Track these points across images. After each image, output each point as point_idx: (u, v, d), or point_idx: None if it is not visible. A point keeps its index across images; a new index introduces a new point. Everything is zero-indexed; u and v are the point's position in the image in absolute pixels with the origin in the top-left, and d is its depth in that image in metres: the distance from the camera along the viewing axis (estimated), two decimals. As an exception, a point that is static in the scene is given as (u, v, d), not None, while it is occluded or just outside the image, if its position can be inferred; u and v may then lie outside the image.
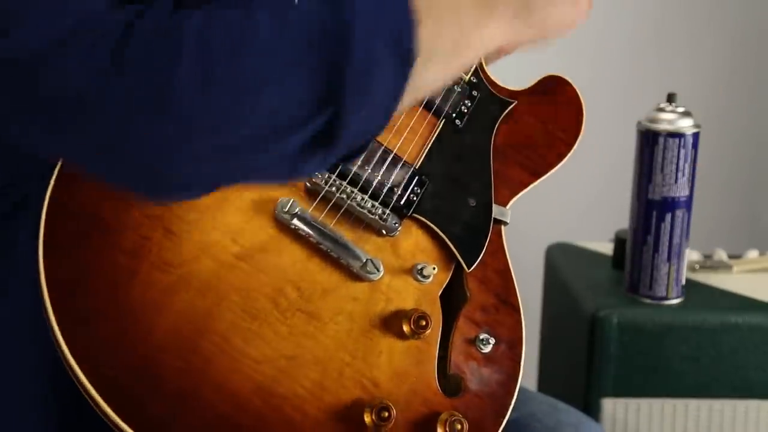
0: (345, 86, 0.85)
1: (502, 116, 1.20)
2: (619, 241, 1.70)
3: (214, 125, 0.85)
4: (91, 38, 0.82)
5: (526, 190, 1.19)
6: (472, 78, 1.20)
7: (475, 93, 1.19)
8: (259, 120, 0.86)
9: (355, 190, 1.07)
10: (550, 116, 1.23)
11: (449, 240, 1.11)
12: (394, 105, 0.90)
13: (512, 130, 1.21)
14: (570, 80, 1.25)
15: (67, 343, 0.93)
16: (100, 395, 0.93)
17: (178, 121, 0.84)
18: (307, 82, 0.85)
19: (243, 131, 0.86)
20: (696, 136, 1.58)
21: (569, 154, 1.22)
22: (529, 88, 1.24)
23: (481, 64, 1.21)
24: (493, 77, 1.23)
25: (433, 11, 0.91)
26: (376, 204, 1.08)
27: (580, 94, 1.24)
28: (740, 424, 1.60)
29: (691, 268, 1.69)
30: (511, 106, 1.21)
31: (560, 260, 1.79)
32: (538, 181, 1.20)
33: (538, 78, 1.24)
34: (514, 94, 1.22)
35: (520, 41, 1.02)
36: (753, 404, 1.60)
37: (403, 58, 0.88)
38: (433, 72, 0.92)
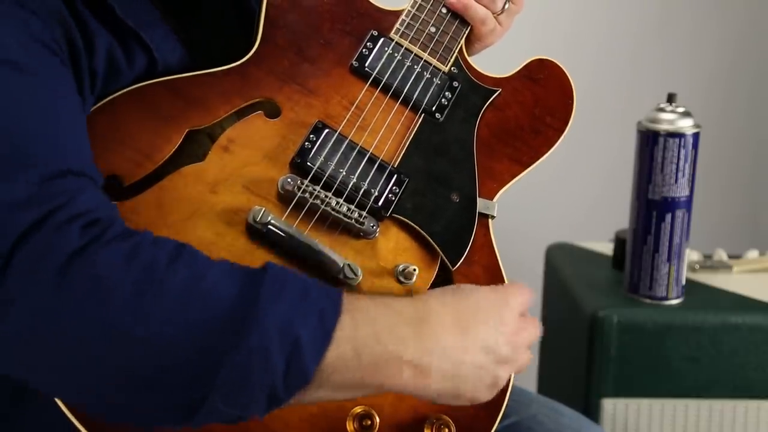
0: (219, 377, 0.84)
1: (485, 106, 1.17)
2: (619, 241, 1.70)
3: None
4: None
5: (514, 181, 1.16)
6: (452, 68, 1.17)
7: (455, 84, 1.17)
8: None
9: (329, 194, 1.05)
10: (537, 101, 1.19)
11: (431, 238, 1.09)
12: (270, 409, 0.89)
13: (497, 119, 1.18)
14: (557, 62, 1.21)
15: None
16: None
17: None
18: (189, 358, 0.85)
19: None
20: (696, 136, 1.58)
21: (560, 140, 1.18)
22: (514, 74, 1.20)
23: (462, 54, 1.19)
24: (475, 66, 1.20)
25: (357, 339, 0.89)
26: (352, 207, 1.06)
27: (568, 75, 1.20)
28: (740, 424, 1.60)
29: (691, 268, 1.69)
30: (495, 95, 1.18)
31: (560, 260, 1.79)
32: (527, 170, 1.17)
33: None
34: (499, 82, 1.19)
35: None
36: (753, 404, 1.60)
37: (295, 376, 0.87)
38: (324, 394, 0.90)
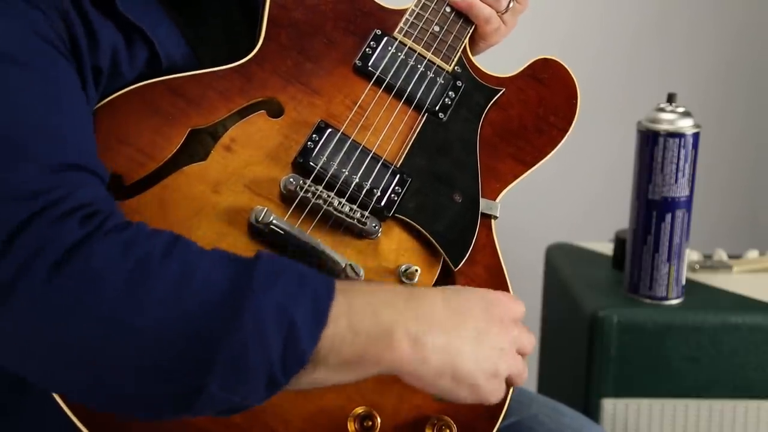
0: (216, 363, 0.85)
1: (488, 106, 1.17)
2: (619, 241, 1.70)
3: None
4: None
5: (517, 181, 1.15)
6: (456, 68, 1.17)
7: (459, 83, 1.16)
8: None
9: (332, 194, 1.05)
10: (540, 100, 1.19)
11: (434, 239, 1.08)
12: (270, 394, 0.89)
13: (501, 118, 1.17)
14: (562, 61, 1.20)
15: None
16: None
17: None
18: (185, 347, 0.85)
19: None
20: (696, 136, 1.58)
21: (563, 140, 1.18)
22: (518, 73, 1.20)
23: (466, 53, 1.19)
24: (479, 65, 1.19)
25: (353, 315, 0.90)
26: (354, 207, 1.05)
27: (573, 75, 1.20)
28: (740, 424, 1.60)
29: (691, 268, 1.69)
30: (499, 95, 1.18)
31: (560, 260, 1.79)
32: (531, 170, 1.16)
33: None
34: (502, 82, 1.19)
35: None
36: (753, 404, 1.60)
37: (293, 358, 0.87)
38: (320, 376, 0.90)
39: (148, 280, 0.86)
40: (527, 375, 0.99)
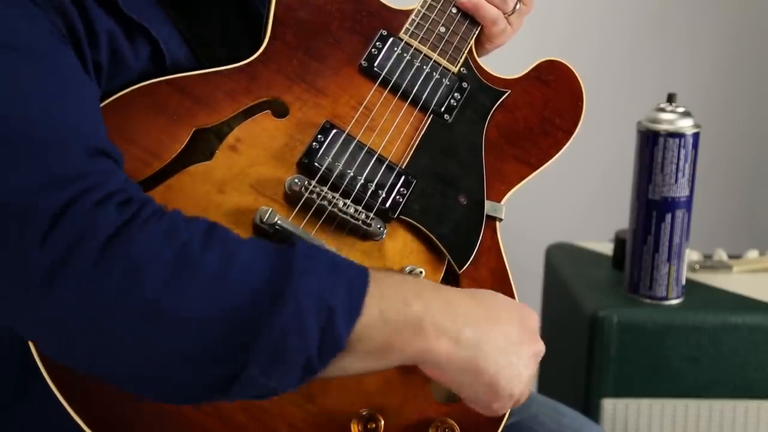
0: (257, 349, 0.86)
1: (494, 107, 1.16)
2: (619, 241, 1.70)
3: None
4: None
5: (522, 183, 1.15)
6: (462, 69, 1.17)
7: (465, 85, 1.16)
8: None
9: (337, 195, 1.04)
10: (546, 102, 1.18)
11: (438, 241, 1.08)
12: (305, 380, 0.90)
13: (507, 120, 1.17)
14: (567, 63, 1.20)
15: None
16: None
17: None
18: (228, 332, 0.86)
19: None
20: (696, 136, 1.58)
21: (569, 143, 1.18)
22: (524, 74, 1.19)
23: (472, 54, 1.18)
24: (485, 67, 1.19)
25: (384, 304, 0.90)
26: (359, 208, 1.05)
27: (579, 77, 1.20)
28: (740, 424, 1.60)
29: (691, 268, 1.69)
30: (504, 97, 1.17)
31: (560, 260, 1.79)
32: (536, 172, 1.16)
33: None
34: (508, 83, 1.18)
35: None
36: (753, 404, 1.60)
37: (329, 345, 0.88)
38: (349, 363, 0.91)
39: (190, 268, 0.87)
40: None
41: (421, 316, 0.91)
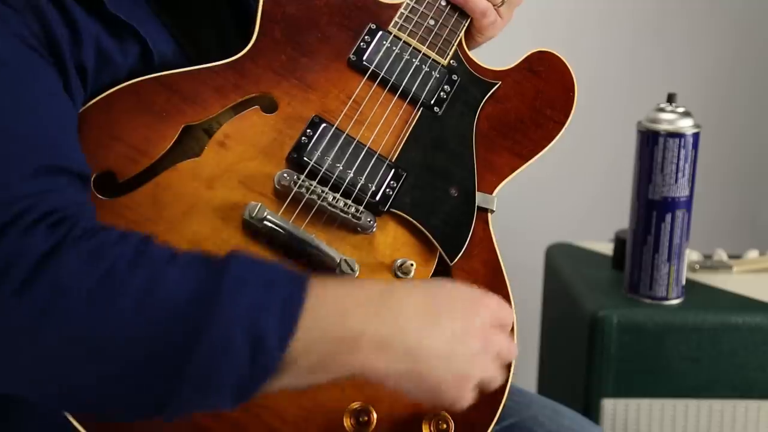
0: (184, 373, 0.85)
1: (484, 99, 1.16)
2: (619, 241, 1.70)
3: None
4: None
5: (514, 175, 1.14)
6: (451, 61, 1.16)
7: (454, 77, 1.15)
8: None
9: (326, 189, 1.04)
10: (537, 93, 1.18)
11: (429, 233, 1.08)
12: (241, 400, 0.88)
13: (497, 112, 1.16)
14: (558, 53, 1.19)
15: None
16: None
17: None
18: (154, 356, 0.85)
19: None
20: (696, 136, 1.58)
21: (560, 133, 1.17)
22: (514, 66, 1.19)
23: (462, 47, 1.18)
24: (475, 59, 1.18)
25: (320, 320, 0.88)
26: (349, 202, 1.05)
27: (570, 67, 1.19)
28: (740, 424, 1.60)
29: (691, 268, 1.69)
30: (495, 88, 1.17)
31: (560, 260, 1.79)
32: (528, 164, 1.15)
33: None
34: (499, 75, 1.18)
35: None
36: (753, 404, 1.60)
37: (260, 368, 0.86)
38: (287, 381, 0.89)
39: (114, 292, 0.85)
40: (500, 381, 0.97)
41: (359, 330, 0.89)
